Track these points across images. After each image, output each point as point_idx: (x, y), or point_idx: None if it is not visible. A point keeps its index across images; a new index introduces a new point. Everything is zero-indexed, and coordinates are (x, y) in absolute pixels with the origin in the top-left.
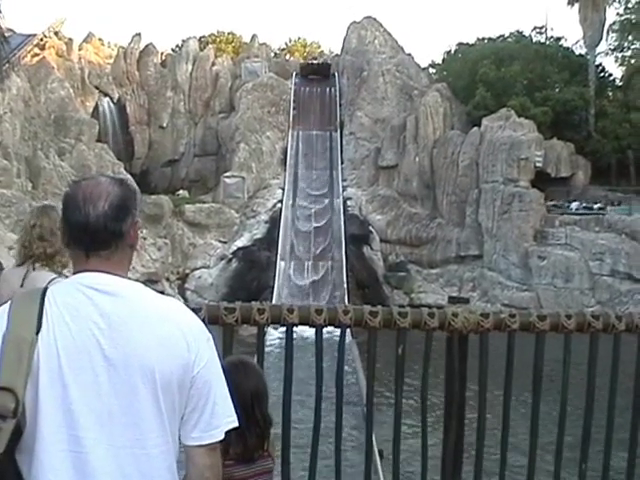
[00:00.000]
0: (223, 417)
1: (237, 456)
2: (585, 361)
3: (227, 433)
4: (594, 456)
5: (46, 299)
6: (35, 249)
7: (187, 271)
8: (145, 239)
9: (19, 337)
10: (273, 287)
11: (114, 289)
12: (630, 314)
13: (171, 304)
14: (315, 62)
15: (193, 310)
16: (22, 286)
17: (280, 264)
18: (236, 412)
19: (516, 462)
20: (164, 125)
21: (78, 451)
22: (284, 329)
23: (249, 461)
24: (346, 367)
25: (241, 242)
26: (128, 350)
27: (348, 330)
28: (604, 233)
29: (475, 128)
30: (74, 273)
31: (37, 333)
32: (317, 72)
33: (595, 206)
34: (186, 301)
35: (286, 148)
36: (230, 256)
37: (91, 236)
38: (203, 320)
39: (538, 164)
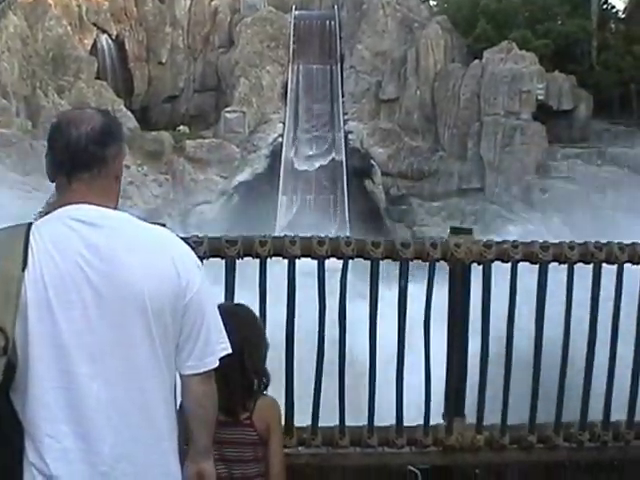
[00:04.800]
0: (217, 344)
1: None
2: (588, 294)
3: None
4: (596, 388)
5: (31, 234)
6: None
7: (189, 207)
8: (146, 175)
9: (5, 274)
10: (275, 221)
11: (99, 220)
12: (633, 245)
13: (159, 232)
14: None
15: (194, 243)
16: None
17: (282, 199)
18: (221, 363)
19: (520, 393)
20: (163, 61)
21: (71, 387)
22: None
23: (231, 418)
24: None
25: (242, 177)
26: (117, 281)
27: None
28: (606, 166)
29: (476, 61)
30: (59, 206)
31: (23, 269)
32: None
33: None
34: (188, 236)
35: (286, 82)
36: (232, 191)
37: (72, 156)
38: (204, 253)
39: (540, 97)
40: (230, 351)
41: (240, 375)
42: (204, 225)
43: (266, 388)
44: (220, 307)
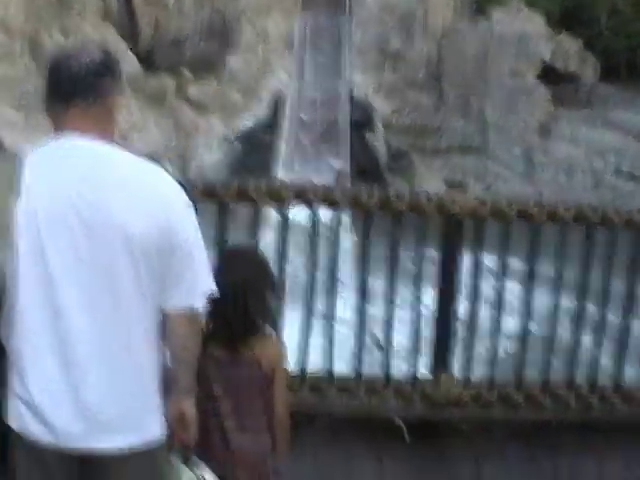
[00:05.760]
0: (203, 285)
1: (220, 344)
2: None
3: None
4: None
5: (24, 165)
6: None
7: (189, 152)
8: (148, 119)
9: None
10: (275, 170)
11: (93, 153)
12: (629, 210)
13: (151, 169)
14: None
15: (189, 185)
16: None
17: (282, 147)
18: (224, 301)
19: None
20: (169, 5)
21: (57, 318)
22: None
23: (232, 355)
24: None
25: (244, 124)
26: (106, 215)
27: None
28: (610, 132)
29: (484, 20)
30: (54, 136)
31: (16, 199)
32: None
33: None
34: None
35: (293, 32)
36: (233, 138)
37: (70, 85)
38: (198, 196)
39: (546, 59)
40: (216, 293)
41: (242, 315)
42: (204, 171)
43: (273, 328)
44: (225, 249)
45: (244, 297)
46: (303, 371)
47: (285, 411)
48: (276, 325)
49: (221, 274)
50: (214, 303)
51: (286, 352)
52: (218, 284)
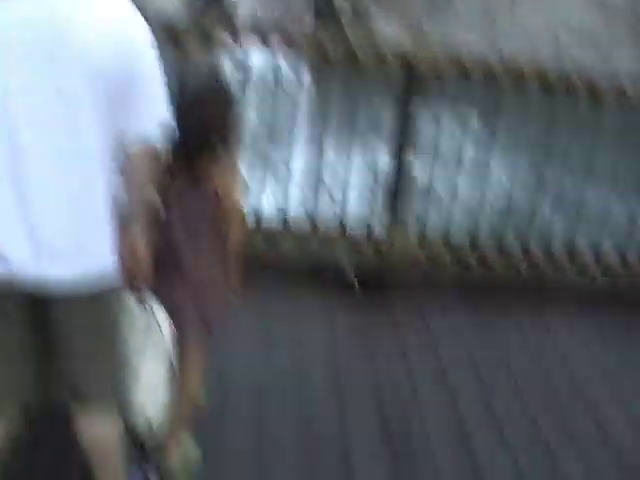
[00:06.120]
0: (161, 114)
1: (181, 175)
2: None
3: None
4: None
5: None
6: None
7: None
8: None
9: None
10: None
11: None
12: (592, 77)
13: (117, 2)
14: None
15: (150, 20)
16: None
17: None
18: (186, 132)
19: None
20: None
21: (14, 140)
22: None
23: (192, 185)
24: None
25: None
26: (70, 43)
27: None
28: (574, 1)
29: None
30: None
31: None
32: None
33: None
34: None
35: None
36: None
37: None
38: (159, 33)
39: None
40: (173, 126)
41: (204, 147)
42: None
43: (233, 162)
44: (191, 84)
45: (207, 130)
46: (257, 221)
47: (239, 245)
48: (235, 160)
49: (183, 108)
50: (176, 133)
51: (244, 183)
52: (179, 117)
